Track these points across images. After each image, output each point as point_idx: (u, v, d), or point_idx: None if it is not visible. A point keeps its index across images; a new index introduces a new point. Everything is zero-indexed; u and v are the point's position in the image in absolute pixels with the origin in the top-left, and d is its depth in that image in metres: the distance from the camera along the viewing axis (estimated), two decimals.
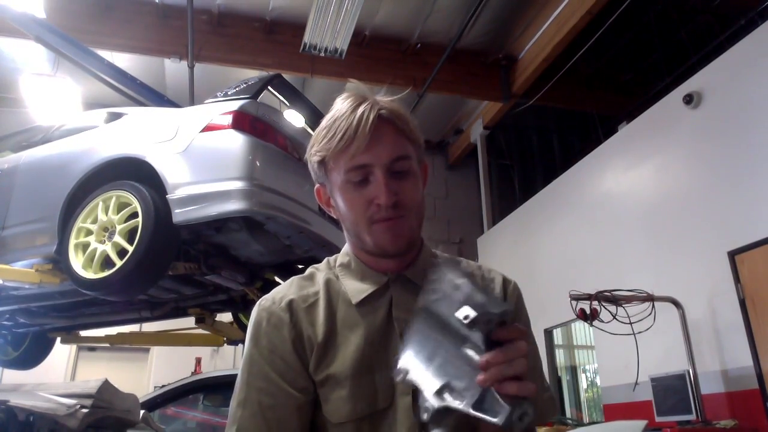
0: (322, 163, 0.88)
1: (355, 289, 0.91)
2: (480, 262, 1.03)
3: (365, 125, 0.82)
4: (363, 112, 0.83)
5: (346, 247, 0.97)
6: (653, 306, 4.50)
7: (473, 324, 0.63)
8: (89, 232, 2.87)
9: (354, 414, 0.82)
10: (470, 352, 0.64)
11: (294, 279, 0.96)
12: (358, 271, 0.92)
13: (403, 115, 0.87)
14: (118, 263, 2.68)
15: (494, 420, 0.60)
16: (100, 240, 2.82)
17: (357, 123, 0.82)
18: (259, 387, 0.85)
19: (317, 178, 0.93)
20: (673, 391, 4.40)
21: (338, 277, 0.94)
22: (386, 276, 0.91)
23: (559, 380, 7.16)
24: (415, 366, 0.67)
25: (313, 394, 0.86)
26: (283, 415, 0.83)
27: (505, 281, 0.98)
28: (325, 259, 1.00)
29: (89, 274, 2.75)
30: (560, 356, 7.43)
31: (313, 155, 0.89)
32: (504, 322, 0.64)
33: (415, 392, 0.81)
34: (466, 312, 0.64)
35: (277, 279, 3.40)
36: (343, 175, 0.85)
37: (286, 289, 0.93)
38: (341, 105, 0.87)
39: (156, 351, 7.82)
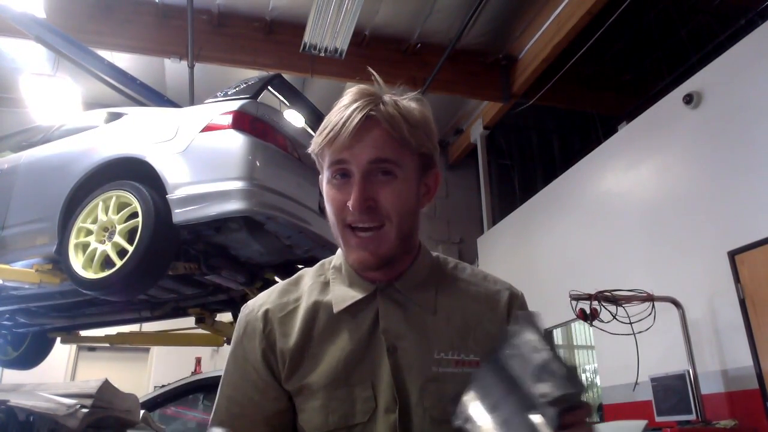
0: (315, 155, 0.87)
1: (341, 296, 0.87)
2: (480, 265, 1.00)
3: (350, 123, 0.79)
4: (354, 109, 0.80)
5: (340, 250, 0.93)
6: (653, 306, 4.49)
7: (551, 403, 0.61)
8: (89, 232, 2.87)
9: (326, 426, 0.80)
10: (536, 419, 0.61)
11: (278, 285, 0.94)
12: (347, 277, 0.89)
13: (398, 118, 0.81)
14: (118, 263, 2.68)
15: None
16: (100, 240, 2.82)
17: (344, 120, 0.80)
18: (229, 395, 0.86)
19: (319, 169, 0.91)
20: (673, 391, 4.40)
21: (329, 281, 0.91)
22: (374, 285, 0.87)
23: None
24: (478, 414, 0.64)
25: (288, 403, 0.85)
26: (249, 425, 0.83)
27: (512, 296, 0.92)
28: (320, 262, 0.97)
29: (89, 274, 2.75)
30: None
31: (310, 148, 0.88)
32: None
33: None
34: (545, 390, 0.61)
35: (277, 279, 3.40)
36: (327, 171, 0.84)
37: (266, 297, 0.92)
38: (343, 99, 0.84)
39: (156, 351, 7.82)
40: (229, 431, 0.81)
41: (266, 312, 0.88)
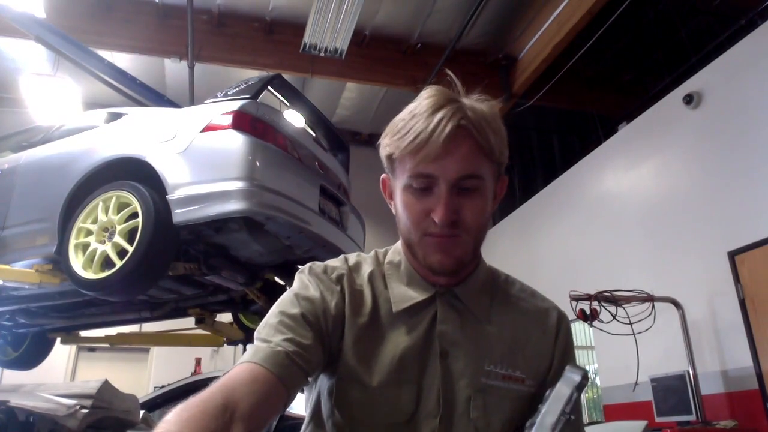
0: (390, 157, 0.83)
1: (401, 295, 0.86)
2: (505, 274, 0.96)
3: (440, 133, 0.75)
4: (442, 118, 0.76)
5: (399, 246, 0.91)
6: (653, 306, 4.49)
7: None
8: (89, 233, 2.87)
9: (368, 418, 0.81)
10: None
11: (343, 258, 0.91)
12: (406, 275, 0.88)
13: (486, 128, 0.78)
14: (118, 263, 2.68)
15: None
16: (100, 240, 2.82)
17: (432, 129, 0.75)
18: (281, 318, 0.81)
19: (385, 168, 0.87)
20: (673, 391, 4.40)
21: (385, 275, 0.89)
22: (434, 288, 0.86)
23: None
24: None
25: (327, 354, 0.82)
26: (302, 334, 0.79)
27: (560, 317, 0.92)
28: (372, 253, 0.94)
29: (89, 275, 2.75)
30: None
31: (384, 147, 0.83)
32: None
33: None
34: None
35: (277, 279, 3.40)
36: (407, 179, 0.80)
37: (338, 264, 0.89)
38: (423, 102, 0.79)
39: (156, 351, 7.81)
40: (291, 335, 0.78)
41: (341, 276, 0.87)
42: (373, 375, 0.81)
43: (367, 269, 0.90)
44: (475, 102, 0.80)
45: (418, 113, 0.78)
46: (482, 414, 0.79)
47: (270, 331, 0.79)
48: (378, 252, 0.94)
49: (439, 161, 0.76)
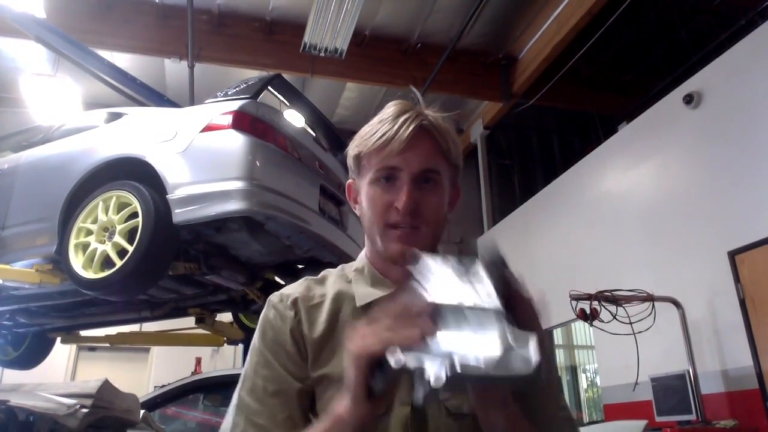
0: (357, 158, 0.92)
1: (363, 293, 0.93)
2: None
3: (404, 131, 0.85)
4: (406, 119, 0.87)
5: (363, 253, 0.99)
6: (653, 306, 4.50)
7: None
8: (89, 232, 2.87)
9: None
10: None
11: (305, 279, 0.99)
12: (370, 278, 0.95)
13: (444, 132, 0.90)
14: (118, 263, 2.68)
15: (532, 362, 0.55)
16: (100, 240, 2.82)
17: (398, 128, 0.86)
18: (264, 375, 0.89)
19: (351, 173, 0.96)
20: (673, 391, 4.40)
21: (351, 281, 0.96)
22: (395, 285, 0.92)
23: (559, 380, 7.16)
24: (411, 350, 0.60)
25: (312, 386, 0.89)
26: (286, 400, 0.87)
27: None
28: (340, 266, 1.02)
29: (89, 274, 2.76)
30: (560, 356, 7.43)
31: (352, 149, 0.93)
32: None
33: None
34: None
35: (277, 279, 3.40)
36: (373, 174, 0.89)
37: (294, 289, 0.97)
38: (389, 110, 0.90)
39: (156, 351, 7.82)
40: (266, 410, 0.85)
41: (295, 300, 0.93)
42: (343, 371, 0.83)
43: (332, 280, 0.98)
44: (434, 113, 0.91)
45: (384, 119, 0.89)
46: (451, 395, 0.83)
47: (257, 406, 0.86)
48: (345, 265, 1.02)
49: (403, 155, 0.86)
